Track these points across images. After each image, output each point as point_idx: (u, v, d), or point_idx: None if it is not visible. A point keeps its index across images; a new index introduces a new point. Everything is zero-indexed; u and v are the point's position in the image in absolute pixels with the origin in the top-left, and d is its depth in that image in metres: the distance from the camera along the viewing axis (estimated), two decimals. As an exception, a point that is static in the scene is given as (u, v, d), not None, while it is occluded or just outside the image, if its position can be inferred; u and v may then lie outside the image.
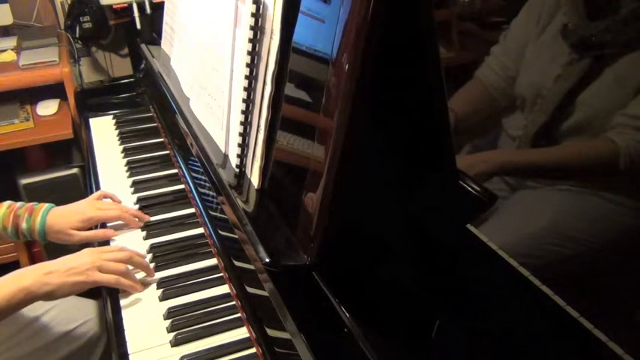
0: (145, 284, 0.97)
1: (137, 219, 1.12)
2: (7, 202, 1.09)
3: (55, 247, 1.80)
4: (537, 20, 0.56)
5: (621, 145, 0.48)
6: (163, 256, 1.03)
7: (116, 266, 0.94)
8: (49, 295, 0.89)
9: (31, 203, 1.09)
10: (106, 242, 1.09)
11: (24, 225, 1.06)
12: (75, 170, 1.89)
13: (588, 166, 0.54)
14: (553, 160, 0.58)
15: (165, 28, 1.46)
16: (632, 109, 0.48)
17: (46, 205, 1.09)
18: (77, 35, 1.91)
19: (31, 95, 1.88)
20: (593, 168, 0.54)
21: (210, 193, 0.99)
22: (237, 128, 0.87)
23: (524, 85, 0.59)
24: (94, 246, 1.07)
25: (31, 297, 0.87)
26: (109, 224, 1.13)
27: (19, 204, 1.09)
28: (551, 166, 0.58)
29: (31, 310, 1.05)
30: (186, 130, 1.10)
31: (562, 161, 0.57)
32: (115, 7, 1.73)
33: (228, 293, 0.93)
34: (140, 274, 0.98)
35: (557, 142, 0.56)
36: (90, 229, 1.10)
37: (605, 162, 0.51)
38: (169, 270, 1.00)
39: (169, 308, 0.91)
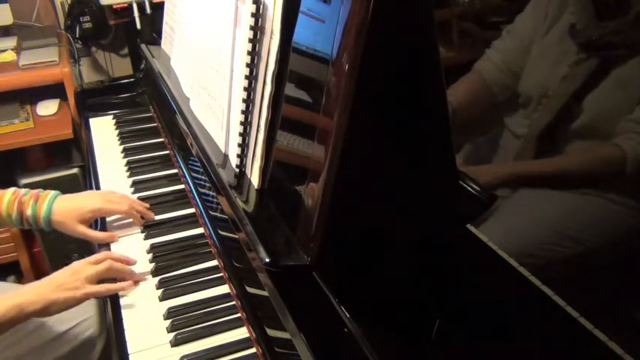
0: (142, 282, 0.98)
1: (141, 217, 1.12)
2: (12, 189, 1.08)
3: (54, 247, 1.82)
4: (544, 18, 0.55)
5: (628, 151, 0.48)
6: (163, 256, 1.03)
7: (103, 274, 0.95)
8: (42, 313, 0.90)
9: (37, 190, 1.08)
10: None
11: (29, 212, 1.05)
12: (75, 170, 1.89)
13: (595, 172, 0.54)
14: (560, 169, 0.57)
15: (165, 28, 1.46)
16: (638, 114, 0.47)
17: (52, 193, 1.08)
18: (77, 35, 1.91)
19: (31, 95, 1.88)
20: (600, 174, 0.53)
21: (210, 193, 0.99)
22: (237, 128, 0.87)
23: (529, 83, 0.59)
24: (91, 246, 1.08)
25: (24, 314, 0.88)
26: (108, 222, 1.13)
27: (23, 190, 1.08)
28: (559, 175, 0.58)
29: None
30: (186, 130, 1.10)
31: (569, 169, 0.56)
32: (115, 7, 1.73)
33: (228, 293, 0.93)
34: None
35: (561, 142, 0.56)
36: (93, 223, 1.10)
37: (611, 168, 0.51)
38: (169, 270, 1.00)
39: (169, 308, 0.91)
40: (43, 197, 1.07)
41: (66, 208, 1.06)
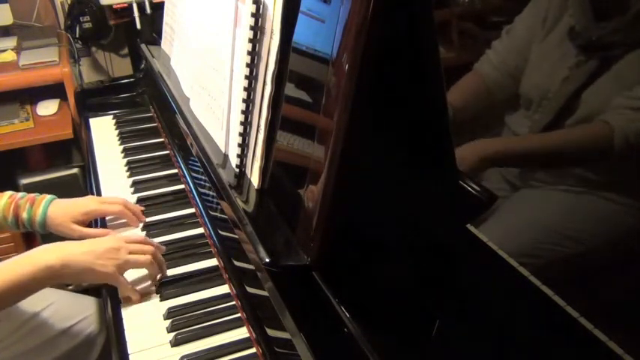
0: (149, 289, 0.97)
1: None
2: (9, 193, 1.09)
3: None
4: (543, 21, 0.55)
5: (615, 127, 0.48)
6: (163, 255, 1.03)
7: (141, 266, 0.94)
8: (73, 277, 0.89)
9: (33, 194, 1.09)
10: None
11: (24, 215, 1.06)
12: (75, 170, 1.89)
13: (582, 150, 0.54)
14: (546, 145, 0.57)
15: (165, 28, 1.46)
16: (632, 92, 0.47)
17: (48, 197, 1.09)
18: (77, 35, 1.91)
19: (31, 95, 1.88)
20: (587, 152, 0.53)
21: (210, 193, 0.99)
22: (237, 128, 0.87)
23: (529, 85, 0.59)
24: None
25: (55, 276, 0.87)
26: (108, 221, 1.13)
27: (20, 194, 1.09)
28: (544, 152, 0.58)
29: (29, 307, 1.06)
30: (186, 130, 1.10)
31: (555, 147, 0.56)
32: (115, 7, 1.73)
33: (228, 293, 0.93)
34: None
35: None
36: (89, 224, 1.10)
37: (598, 145, 0.51)
38: (169, 270, 1.00)
39: (169, 308, 0.91)
40: (39, 201, 1.07)
41: (60, 211, 1.07)
